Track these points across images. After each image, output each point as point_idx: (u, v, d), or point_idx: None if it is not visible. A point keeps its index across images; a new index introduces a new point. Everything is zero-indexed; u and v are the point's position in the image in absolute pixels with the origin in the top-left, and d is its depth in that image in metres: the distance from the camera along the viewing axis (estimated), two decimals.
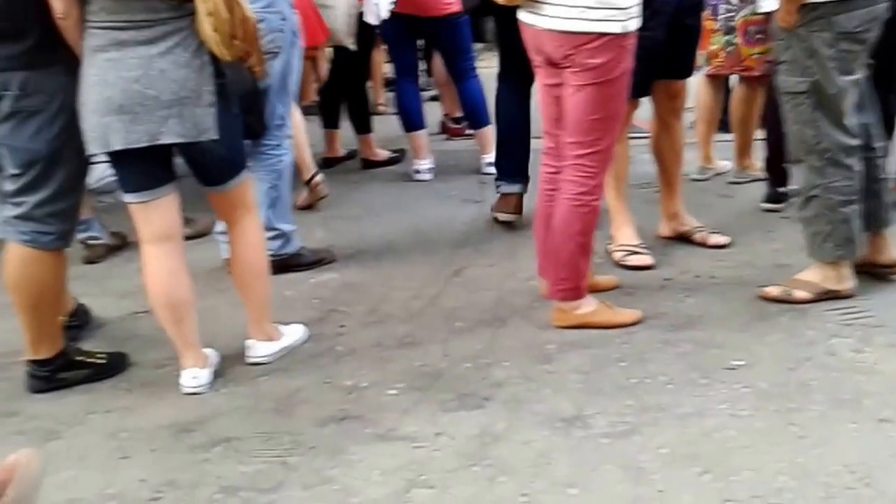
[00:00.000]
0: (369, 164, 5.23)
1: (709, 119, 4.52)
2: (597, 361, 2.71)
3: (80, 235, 3.76)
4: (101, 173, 4.18)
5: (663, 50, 3.30)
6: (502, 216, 4.03)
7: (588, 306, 2.94)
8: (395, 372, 2.72)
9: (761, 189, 4.06)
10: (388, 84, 6.41)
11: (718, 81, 4.44)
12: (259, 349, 2.83)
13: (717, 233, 3.64)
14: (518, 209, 4.01)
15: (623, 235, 3.52)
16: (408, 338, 2.96)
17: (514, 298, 3.23)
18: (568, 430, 2.34)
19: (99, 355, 2.85)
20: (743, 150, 4.45)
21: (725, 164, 4.58)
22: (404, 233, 4.05)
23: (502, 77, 4.04)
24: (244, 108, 3.19)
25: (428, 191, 4.73)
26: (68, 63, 2.54)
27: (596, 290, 3.08)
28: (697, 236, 3.63)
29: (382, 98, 6.64)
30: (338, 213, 4.38)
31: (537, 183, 3.08)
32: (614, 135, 2.88)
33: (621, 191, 3.54)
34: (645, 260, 3.43)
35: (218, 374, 2.74)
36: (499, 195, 4.09)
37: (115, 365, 2.85)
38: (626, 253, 3.47)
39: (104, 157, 2.66)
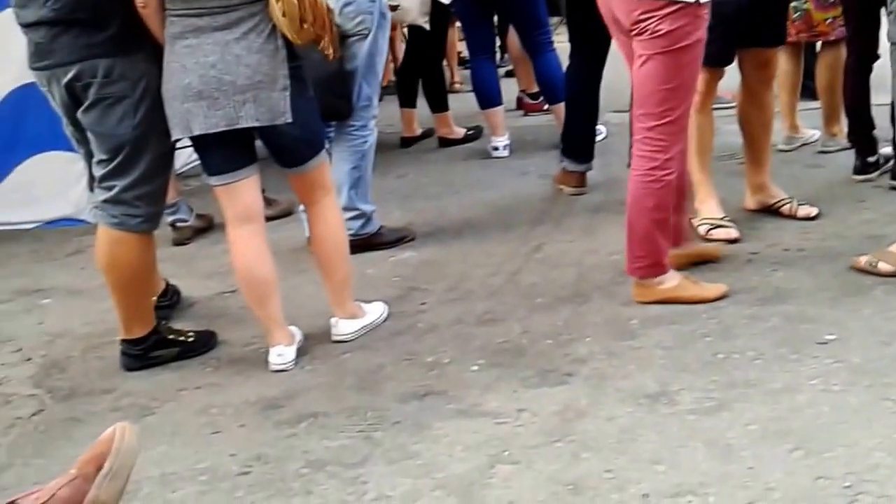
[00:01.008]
0: (446, 143, 5.24)
1: (790, 87, 4.38)
2: (682, 337, 2.66)
3: (168, 218, 3.87)
4: (186, 158, 4.31)
5: (748, 16, 3.20)
6: (566, 189, 4.08)
7: (671, 281, 2.89)
8: (476, 348, 2.72)
9: (852, 158, 3.92)
10: (464, 62, 6.40)
11: (795, 48, 4.29)
12: (342, 327, 2.87)
13: (806, 204, 3.53)
14: (581, 184, 4.06)
15: (707, 209, 3.45)
16: (488, 314, 2.96)
17: (595, 274, 3.20)
18: (653, 406, 2.30)
19: (189, 334, 2.93)
20: (831, 118, 4.30)
21: (813, 132, 4.44)
22: (483, 210, 4.05)
23: (572, 52, 4.03)
24: (331, 91, 3.24)
25: (505, 167, 4.71)
26: (150, 50, 2.61)
27: (702, 258, 3.08)
28: (785, 208, 3.53)
29: (458, 76, 6.63)
30: (416, 191, 4.40)
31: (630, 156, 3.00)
32: (687, 106, 2.80)
33: (706, 163, 3.46)
34: (730, 233, 3.36)
35: (303, 352, 2.79)
36: (562, 169, 4.12)
37: (204, 343, 2.92)
38: (710, 227, 3.40)
39: (188, 142, 2.72)
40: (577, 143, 4.08)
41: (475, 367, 2.61)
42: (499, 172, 4.61)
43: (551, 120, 4.97)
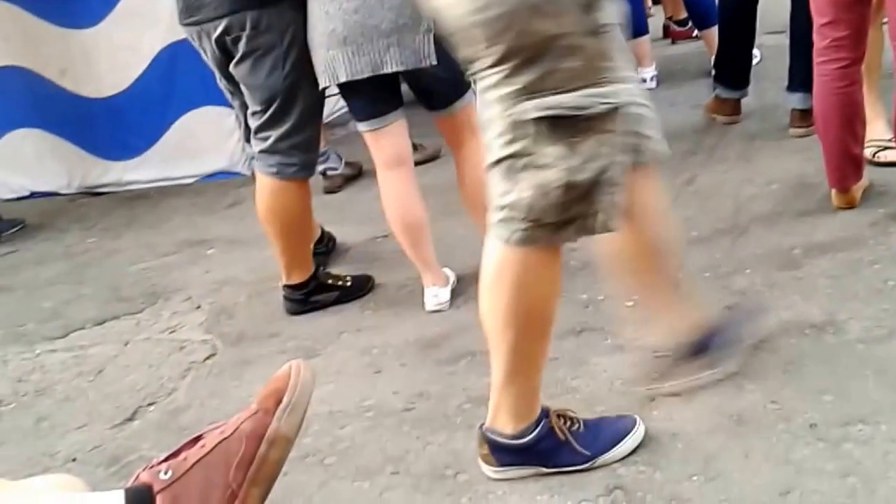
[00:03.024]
0: None
1: None
2: (848, 265, 2.53)
3: (319, 167, 3.96)
4: (333, 106, 4.40)
5: None
6: (720, 118, 3.91)
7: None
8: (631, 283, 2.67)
9: None
10: None
11: None
12: None
13: None
14: (736, 112, 3.88)
15: (875, 130, 3.23)
16: None
17: (753, 205, 3.07)
18: (819, 336, 2.21)
19: (346, 278, 3.01)
20: None
21: None
22: None
23: None
24: None
25: (654, 99, 4.41)
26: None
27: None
28: None
29: None
30: None
31: (818, 81, 2.86)
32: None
33: (873, 82, 3.24)
34: None
35: (457, 292, 2.82)
36: (714, 97, 3.95)
37: (361, 287, 3.00)
38: (877, 149, 3.19)
39: (335, 90, 2.76)
40: (732, 68, 3.90)
41: (631, 303, 2.57)
42: None
43: (701, 47, 4.76)
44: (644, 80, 4.73)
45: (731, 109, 3.94)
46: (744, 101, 3.98)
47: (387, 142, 2.72)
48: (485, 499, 1.85)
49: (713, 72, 4.04)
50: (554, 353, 2.33)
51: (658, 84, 4.74)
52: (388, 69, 2.55)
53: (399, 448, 2.08)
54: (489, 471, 1.89)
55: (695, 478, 1.79)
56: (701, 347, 2.09)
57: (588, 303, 2.62)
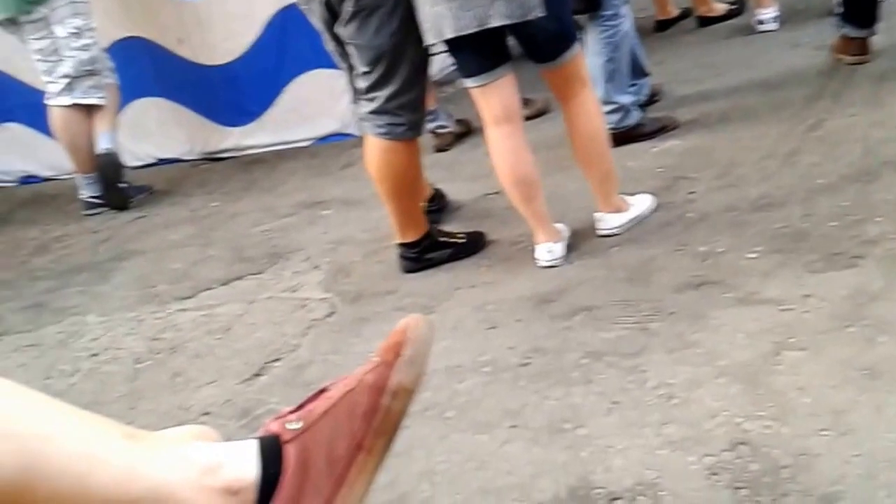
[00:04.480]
0: (706, 21, 4.93)
1: None
2: None
3: (429, 126, 3.98)
4: (440, 64, 4.39)
5: None
6: (846, 59, 3.70)
7: None
8: (752, 235, 2.59)
9: None
10: None
11: None
12: (608, 221, 2.84)
13: None
14: (863, 51, 3.68)
15: None
16: (763, 199, 2.80)
17: (883, 149, 2.91)
18: None
19: (459, 235, 3.03)
20: None
21: None
22: (751, 89, 3.80)
23: None
24: None
25: (774, 42, 4.36)
26: None
27: None
28: None
29: None
30: (675, 77, 4.20)
31: None
32: None
33: None
34: None
35: (571, 247, 2.80)
36: (839, 37, 3.74)
37: (474, 243, 3.01)
38: None
39: (442, 47, 2.75)
40: (860, 6, 3.68)
41: (752, 255, 2.49)
42: (766, 48, 4.28)
43: None
44: (762, 22, 4.54)
45: (859, 49, 3.73)
46: (872, 41, 3.77)
47: (495, 98, 2.70)
48: (605, 452, 1.84)
49: (839, 10, 3.83)
50: (672, 308, 2.31)
51: (781, 25, 4.53)
52: (494, 23, 2.51)
53: (516, 402, 2.09)
54: None
55: (824, 432, 1.74)
56: None
57: (707, 255, 2.55)
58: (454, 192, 3.49)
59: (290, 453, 0.99)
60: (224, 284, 3.26)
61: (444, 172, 3.73)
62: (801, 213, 2.64)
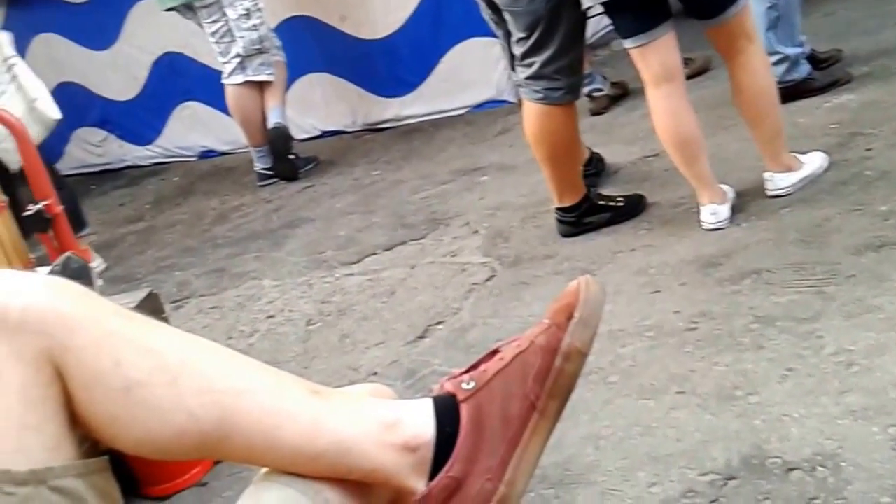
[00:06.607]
0: None
1: None
2: None
3: (585, 89, 3.91)
4: (594, 27, 4.30)
5: None
6: None
7: None
8: None
9: None
10: None
11: None
12: (778, 181, 2.72)
13: None
14: None
15: None
16: None
17: None
18: None
19: (618, 198, 2.98)
20: None
21: None
22: None
23: None
24: None
25: None
26: None
27: None
28: None
29: None
30: (848, 28, 3.95)
31: None
32: None
33: None
34: None
35: (737, 209, 2.70)
36: None
37: (634, 206, 2.95)
38: None
39: (598, 10, 2.69)
40: None
41: None
42: None
43: None
44: None
45: None
46: None
47: (655, 57, 2.62)
48: (780, 421, 1.78)
49: None
50: (850, 271, 2.20)
51: None
52: None
53: (683, 368, 2.05)
54: None
55: None
56: None
57: (889, 215, 2.40)
58: (611, 155, 3.44)
59: (466, 413, 1.01)
60: (387, 250, 3.34)
61: (600, 136, 3.67)
62: None
